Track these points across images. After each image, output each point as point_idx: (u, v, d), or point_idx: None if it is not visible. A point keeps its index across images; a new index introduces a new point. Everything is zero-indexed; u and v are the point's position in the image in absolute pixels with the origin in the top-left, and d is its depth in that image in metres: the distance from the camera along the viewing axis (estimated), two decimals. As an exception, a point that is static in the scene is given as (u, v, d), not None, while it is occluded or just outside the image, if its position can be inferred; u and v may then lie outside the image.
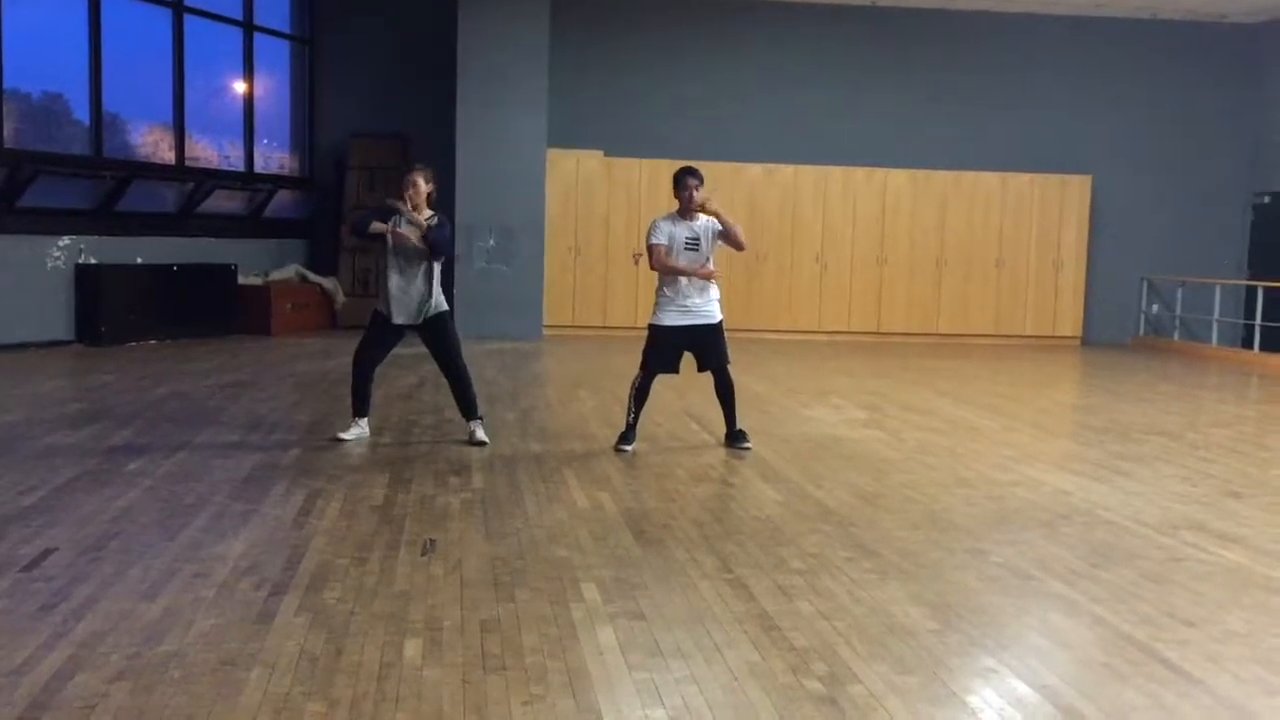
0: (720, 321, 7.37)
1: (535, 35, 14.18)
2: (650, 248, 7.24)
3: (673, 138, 15.29)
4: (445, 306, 7.34)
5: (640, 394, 7.37)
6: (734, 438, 7.45)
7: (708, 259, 7.25)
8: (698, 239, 7.20)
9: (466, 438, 7.33)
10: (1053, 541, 5.33)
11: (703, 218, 7.23)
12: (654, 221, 7.34)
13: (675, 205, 7.28)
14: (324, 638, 3.79)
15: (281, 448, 6.99)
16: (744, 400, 7.47)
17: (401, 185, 7.20)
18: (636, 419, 7.37)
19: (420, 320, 7.21)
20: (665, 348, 7.32)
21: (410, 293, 7.13)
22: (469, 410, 7.42)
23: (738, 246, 7.39)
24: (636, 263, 14.96)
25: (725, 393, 7.42)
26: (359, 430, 7.33)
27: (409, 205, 7.12)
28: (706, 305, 7.30)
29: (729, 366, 7.40)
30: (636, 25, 15.51)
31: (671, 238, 7.20)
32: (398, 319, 7.19)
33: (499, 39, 14.08)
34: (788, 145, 15.45)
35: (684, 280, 7.21)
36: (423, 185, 7.19)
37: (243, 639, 3.75)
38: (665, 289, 7.29)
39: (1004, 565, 4.90)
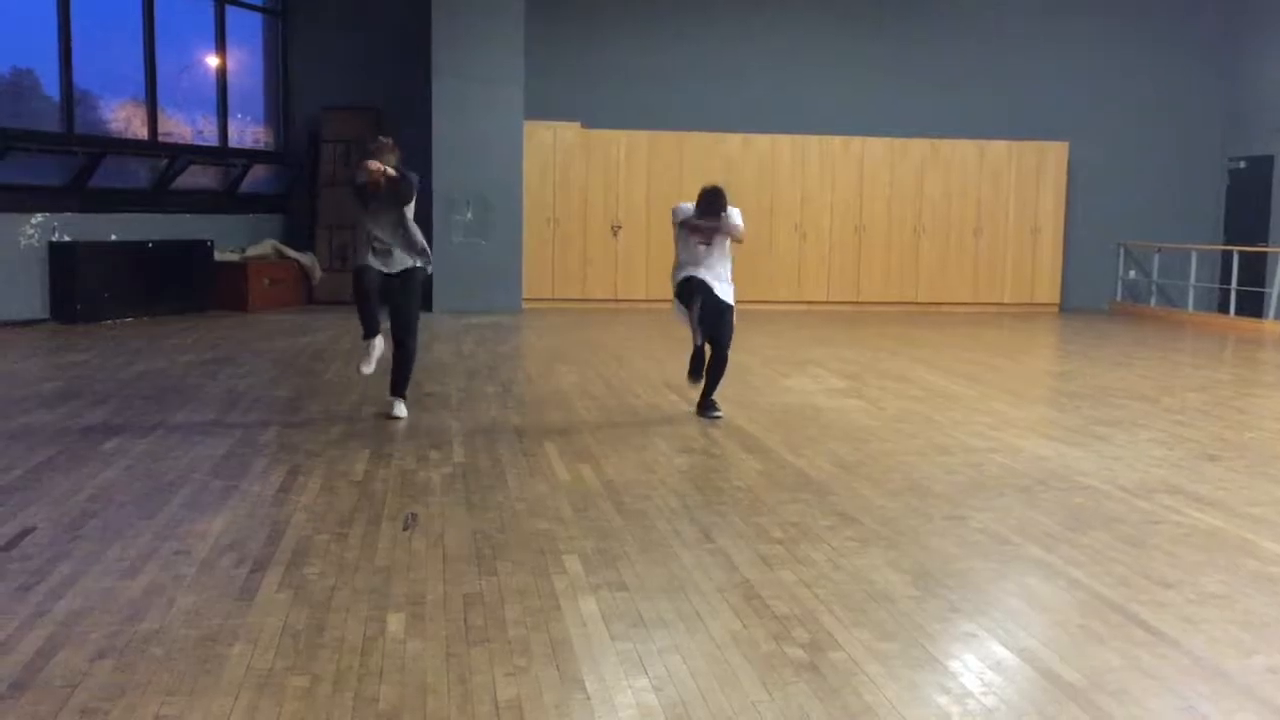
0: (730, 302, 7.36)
1: (511, 5, 14.07)
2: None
3: (650, 109, 15.22)
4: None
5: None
6: (706, 407, 7.45)
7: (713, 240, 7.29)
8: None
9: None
10: (1031, 507, 5.37)
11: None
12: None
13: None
14: (306, 613, 3.78)
15: (260, 424, 6.96)
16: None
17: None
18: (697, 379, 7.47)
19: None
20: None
21: None
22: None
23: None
24: (616, 235, 14.94)
25: (716, 368, 7.43)
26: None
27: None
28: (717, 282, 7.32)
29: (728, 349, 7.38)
30: (613, -5, 15.42)
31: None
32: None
33: (474, 9, 13.97)
34: (765, 115, 15.40)
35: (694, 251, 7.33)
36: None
37: (224, 615, 3.75)
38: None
39: (983, 531, 4.94)
